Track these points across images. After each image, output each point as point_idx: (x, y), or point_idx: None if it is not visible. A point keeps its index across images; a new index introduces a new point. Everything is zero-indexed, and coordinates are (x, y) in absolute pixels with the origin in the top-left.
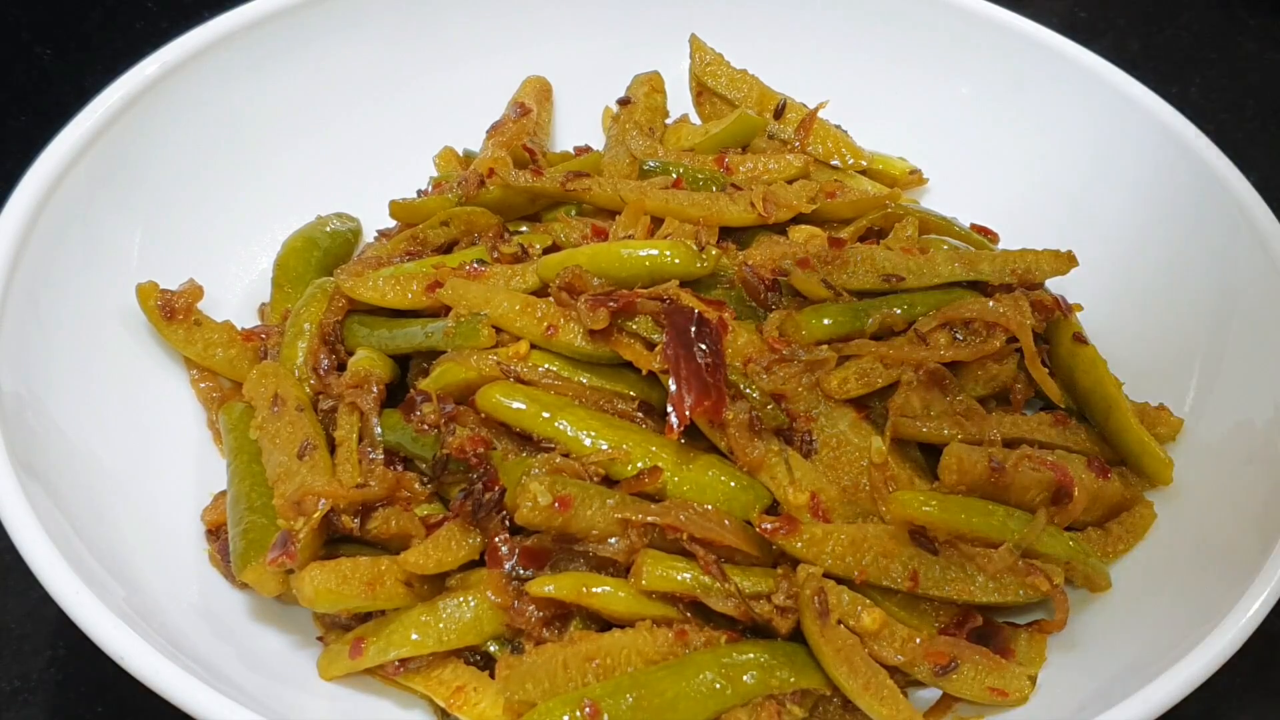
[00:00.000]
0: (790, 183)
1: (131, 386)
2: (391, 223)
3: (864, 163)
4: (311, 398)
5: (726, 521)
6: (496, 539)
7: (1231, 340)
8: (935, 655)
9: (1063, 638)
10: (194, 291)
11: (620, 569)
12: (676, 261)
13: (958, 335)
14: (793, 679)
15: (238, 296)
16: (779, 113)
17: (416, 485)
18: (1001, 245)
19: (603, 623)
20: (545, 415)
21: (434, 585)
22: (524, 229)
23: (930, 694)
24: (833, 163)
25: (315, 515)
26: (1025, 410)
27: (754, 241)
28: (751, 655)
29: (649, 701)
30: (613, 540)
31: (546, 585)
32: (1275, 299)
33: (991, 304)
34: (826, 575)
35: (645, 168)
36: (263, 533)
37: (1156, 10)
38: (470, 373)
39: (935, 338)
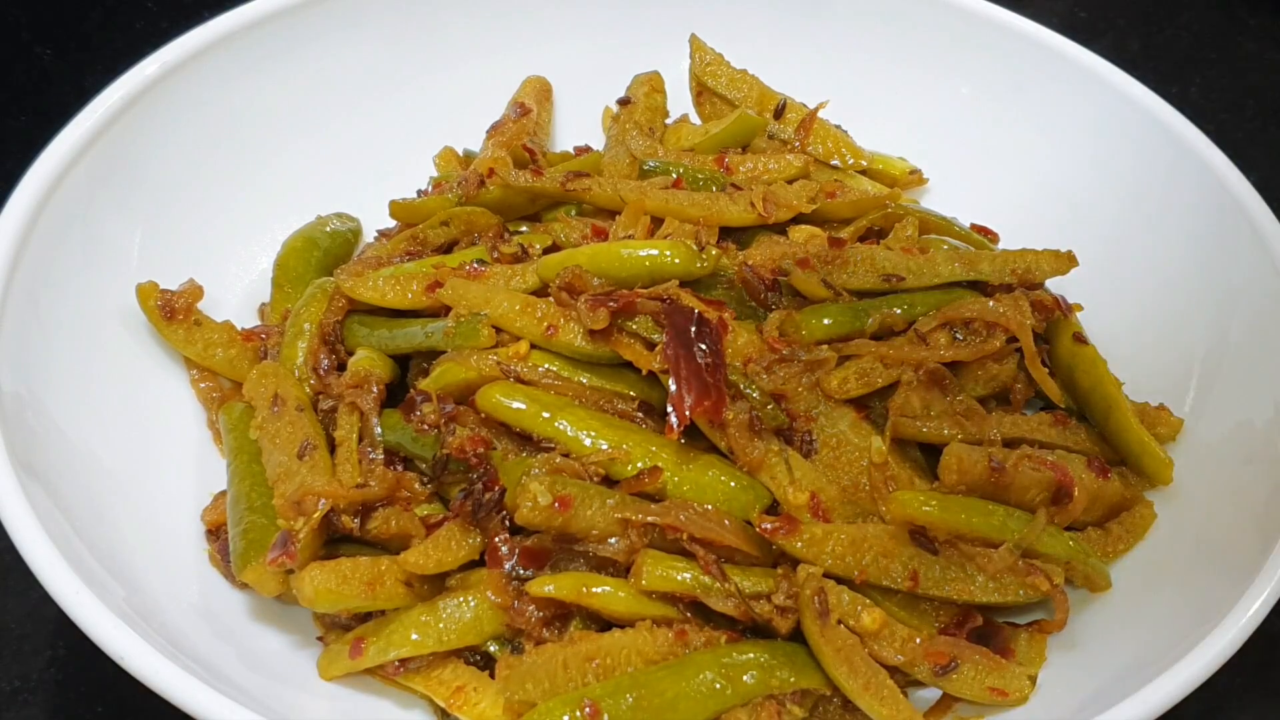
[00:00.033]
0: (790, 183)
1: (131, 386)
2: (391, 223)
3: (864, 163)
4: (311, 398)
5: (726, 521)
6: (496, 539)
7: (1231, 340)
8: (935, 655)
9: (1063, 638)
10: (194, 291)
11: (620, 569)
12: (676, 261)
13: (958, 335)
14: (793, 679)
15: (238, 296)
16: (779, 113)
17: (416, 485)
18: (1001, 245)
19: (603, 623)
20: (545, 415)
21: (434, 585)
22: (524, 229)
23: (930, 694)
24: (833, 163)
25: (315, 515)
26: (1025, 410)
27: (754, 241)
28: (751, 655)
29: (649, 701)
30: (613, 540)
31: (546, 585)
32: (1275, 299)
33: (991, 304)
34: (826, 575)
35: (645, 168)
36: (263, 533)
37: (1156, 10)
38: (470, 373)
39: (935, 338)
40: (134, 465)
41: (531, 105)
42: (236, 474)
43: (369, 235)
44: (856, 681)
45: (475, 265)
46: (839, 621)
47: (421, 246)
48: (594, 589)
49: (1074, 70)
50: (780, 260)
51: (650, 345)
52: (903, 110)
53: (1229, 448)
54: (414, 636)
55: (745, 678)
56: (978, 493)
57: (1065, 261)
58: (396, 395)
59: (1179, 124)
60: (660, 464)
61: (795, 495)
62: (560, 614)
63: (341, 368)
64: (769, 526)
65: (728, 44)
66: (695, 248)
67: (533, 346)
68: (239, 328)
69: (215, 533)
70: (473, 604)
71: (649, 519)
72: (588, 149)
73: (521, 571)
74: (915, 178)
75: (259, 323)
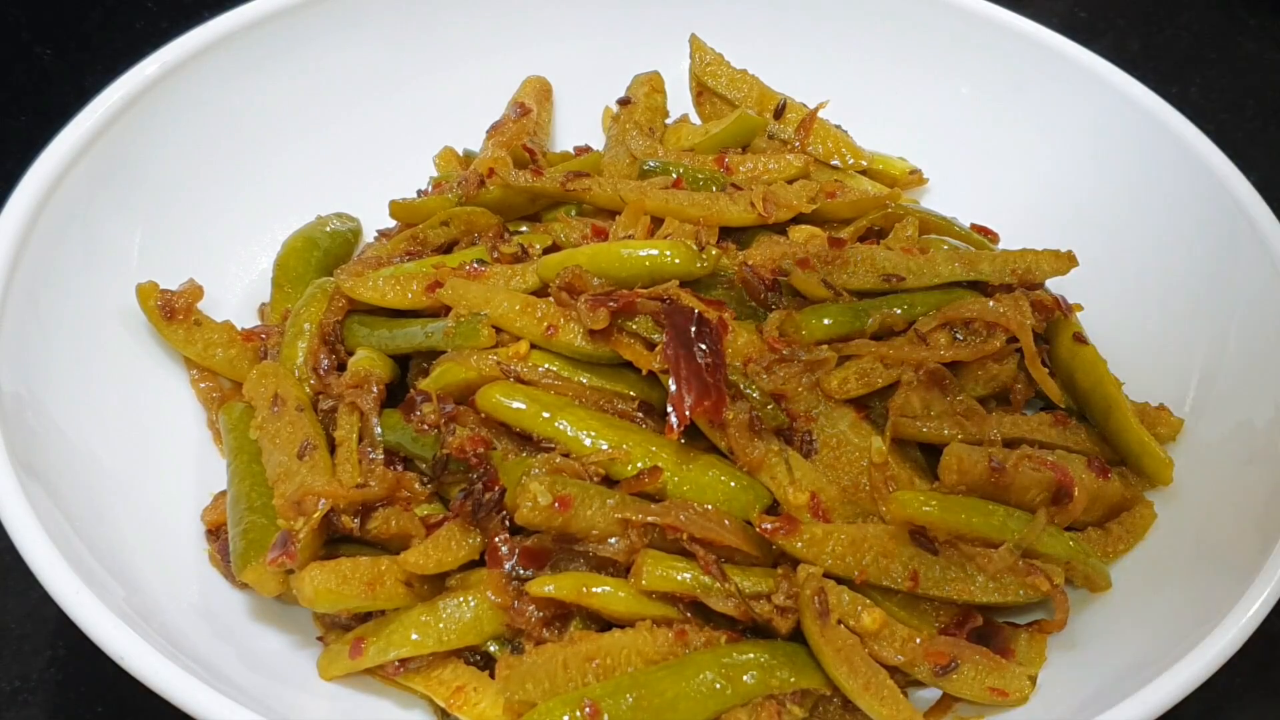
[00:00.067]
0: (790, 183)
1: (131, 386)
2: (391, 223)
3: (864, 163)
4: (311, 398)
5: (726, 521)
6: (496, 539)
7: (1231, 340)
8: (935, 655)
9: (1063, 638)
10: (194, 291)
11: (620, 569)
12: (676, 261)
13: (958, 335)
14: (793, 679)
15: (238, 296)
16: (779, 113)
17: (416, 485)
18: (1001, 245)
19: (603, 623)
20: (545, 415)
21: (434, 585)
22: (524, 229)
23: (930, 694)
24: (833, 163)
25: (315, 515)
26: (1025, 410)
27: (754, 241)
28: (751, 655)
29: (649, 701)
30: (613, 540)
31: (546, 585)
32: (1275, 299)
33: (991, 304)
34: (826, 575)
35: (645, 168)
36: (263, 533)
37: (1156, 10)
38: (470, 373)
39: (935, 338)
40: (134, 465)
41: (531, 105)
42: (236, 474)
43: (369, 235)
44: (856, 681)
45: (475, 265)
46: (839, 621)
47: (421, 246)
48: (594, 589)
49: (1074, 70)
50: (780, 260)
51: (650, 345)
52: (903, 110)
53: (1229, 448)
54: (414, 636)
55: (745, 678)
56: (978, 493)
57: (1065, 261)
58: (396, 395)
59: (1179, 124)
60: (660, 464)
61: (795, 495)
62: (560, 614)
63: (341, 368)
64: (769, 526)
65: (728, 44)
66: (695, 248)
67: (533, 346)
68: (239, 328)
69: (215, 533)
70: (473, 604)
71: (649, 519)
72: (588, 149)
73: (521, 571)
74: (915, 178)
75: (259, 323)
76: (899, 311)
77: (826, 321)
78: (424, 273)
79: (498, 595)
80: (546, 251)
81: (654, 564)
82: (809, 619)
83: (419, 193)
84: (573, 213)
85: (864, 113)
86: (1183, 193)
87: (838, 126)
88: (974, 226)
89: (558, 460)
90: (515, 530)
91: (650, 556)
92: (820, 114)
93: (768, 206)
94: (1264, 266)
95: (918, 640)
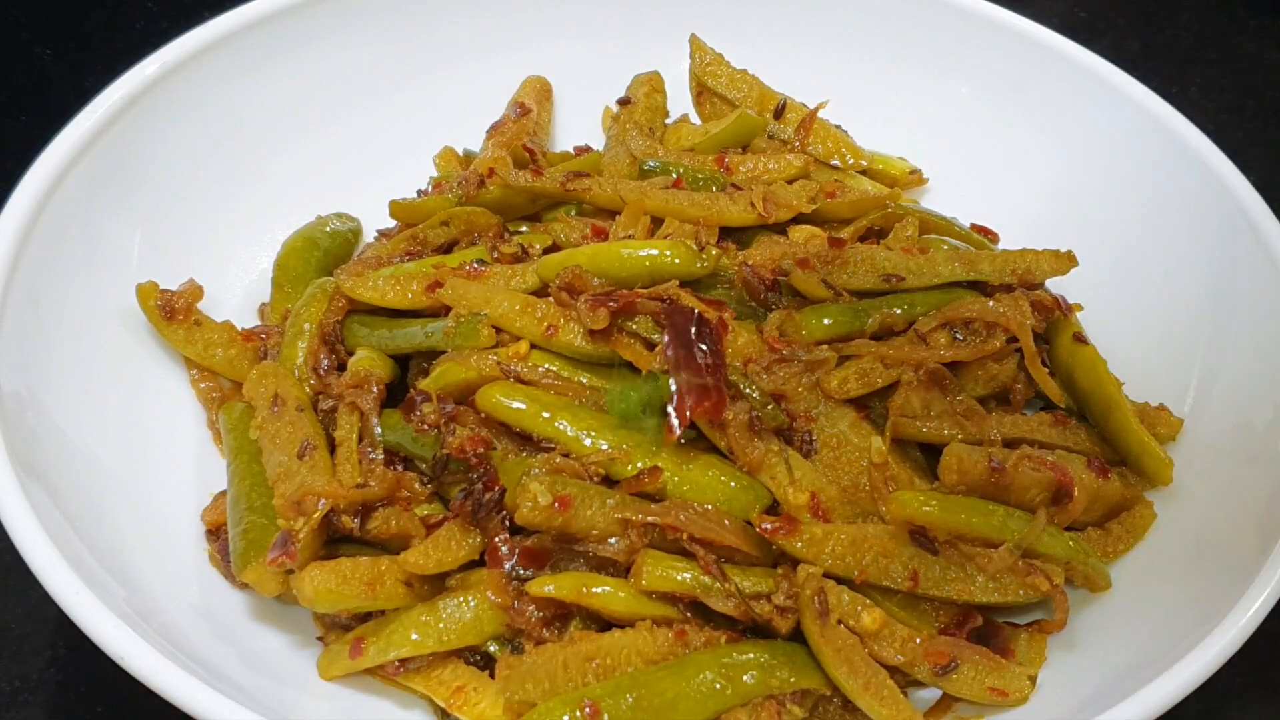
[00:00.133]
0: (790, 183)
1: (131, 386)
2: (391, 223)
3: (864, 163)
4: (311, 398)
5: (726, 521)
6: (496, 539)
7: (1231, 340)
8: (935, 655)
9: (1063, 638)
10: (194, 291)
11: (620, 569)
12: (676, 261)
13: (958, 335)
14: (793, 679)
15: (238, 296)
16: (779, 113)
17: (416, 485)
18: (1001, 245)
19: (603, 623)
20: (545, 415)
21: (434, 585)
22: (524, 229)
23: (930, 694)
24: (833, 163)
25: (315, 515)
26: (1025, 410)
27: (754, 241)
28: (751, 655)
29: (649, 701)
30: (613, 540)
31: (546, 585)
32: (1275, 299)
33: (991, 304)
34: (826, 575)
35: (645, 168)
36: (263, 533)
37: (1156, 10)
38: (470, 373)
39: (935, 338)
40: (134, 465)
41: (531, 105)
42: (236, 474)
43: (369, 235)
44: (856, 681)
45: (475, 265)
46: (839, 621)
47: (421, 246)
48: (594, 589)
49: (1074, 70)
50: (780, 260)
51: (650, 345)
52: (903, 110)
53: (1229, 448)
54: (414, 636)
55: (745, 678)
56: (978, 493)
57: (1065, 261)
58: (396, 395)
59: (1179, 124)
60: (660, 464)
61: (795, 495)
62: (560, 614)
63: (341, 368)
64: (769, 526)
65: (728, 44)
66: (695, 248)
67: (533, 346)
68: (239, 328)
69: (215, 533)
70: (473, 604)
71: (649, 519)
72: (588, 149)
73: (521, 571)
74: (915, 178)
75: (259, 323)
76: (899, 311)
77: (826, 321)
78: (424, 273)
79: (498, 595)
80: (546, 251)
81: (654, 564)
82: (809, 619)
83: (419, 193)
84: (573, 213)
85: (864, 113)
86: (1183, 193)
87: (838, 126)
88: (974, 226)
89: (558, 460)
90: (515, 530)
91: (650, 556)
92: (820, 114)
93: (768, 206)
94: (1264, 266)
95: (918, 640)
